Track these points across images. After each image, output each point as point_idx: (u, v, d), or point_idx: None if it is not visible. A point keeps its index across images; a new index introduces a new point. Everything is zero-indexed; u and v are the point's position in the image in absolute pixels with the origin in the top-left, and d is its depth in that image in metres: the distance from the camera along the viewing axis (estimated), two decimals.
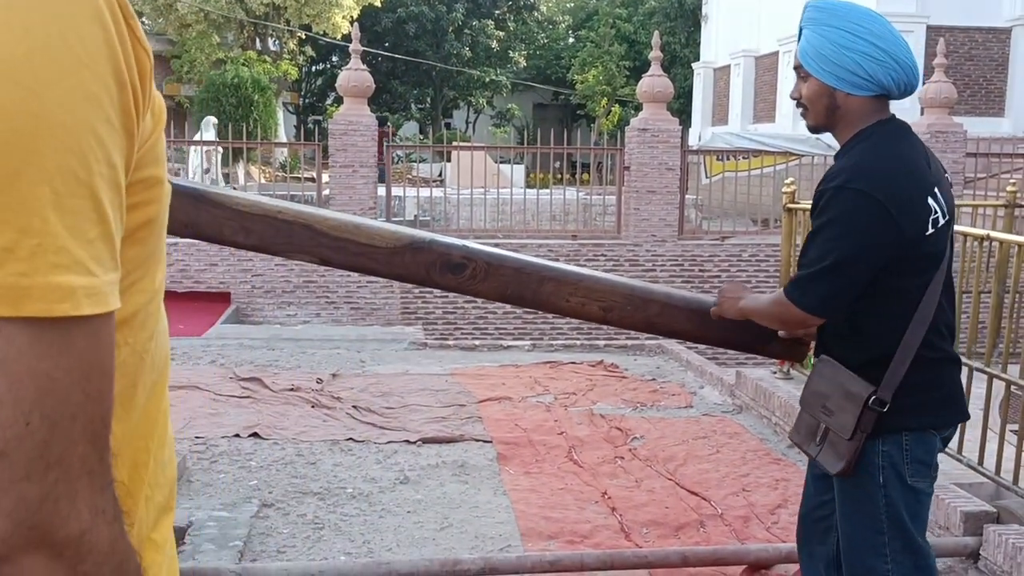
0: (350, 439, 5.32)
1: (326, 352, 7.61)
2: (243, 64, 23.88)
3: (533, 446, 5.28)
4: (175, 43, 26.51)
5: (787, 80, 19.01)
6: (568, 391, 6.52)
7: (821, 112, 2.27)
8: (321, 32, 25.14)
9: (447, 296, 9.94)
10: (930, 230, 2.13)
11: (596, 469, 4.87)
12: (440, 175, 20.64)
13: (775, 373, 6.05)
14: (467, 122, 37.36)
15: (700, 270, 11.13)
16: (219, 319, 9.08)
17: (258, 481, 4.62)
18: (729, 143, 14.99)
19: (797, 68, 2.33)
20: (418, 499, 4.44)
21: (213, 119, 17.75)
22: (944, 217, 2.17)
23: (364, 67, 10.14)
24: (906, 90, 2.19)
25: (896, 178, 2.12)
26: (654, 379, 7.05)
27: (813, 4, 2.28)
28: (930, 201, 2.13)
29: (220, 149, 12.13)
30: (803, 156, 12.87)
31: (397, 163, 23.63)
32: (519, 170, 18.49)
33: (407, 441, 5.30)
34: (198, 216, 2.75)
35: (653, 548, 3.83)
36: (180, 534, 4.02)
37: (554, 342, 8.32)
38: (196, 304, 9.53)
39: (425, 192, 12.75)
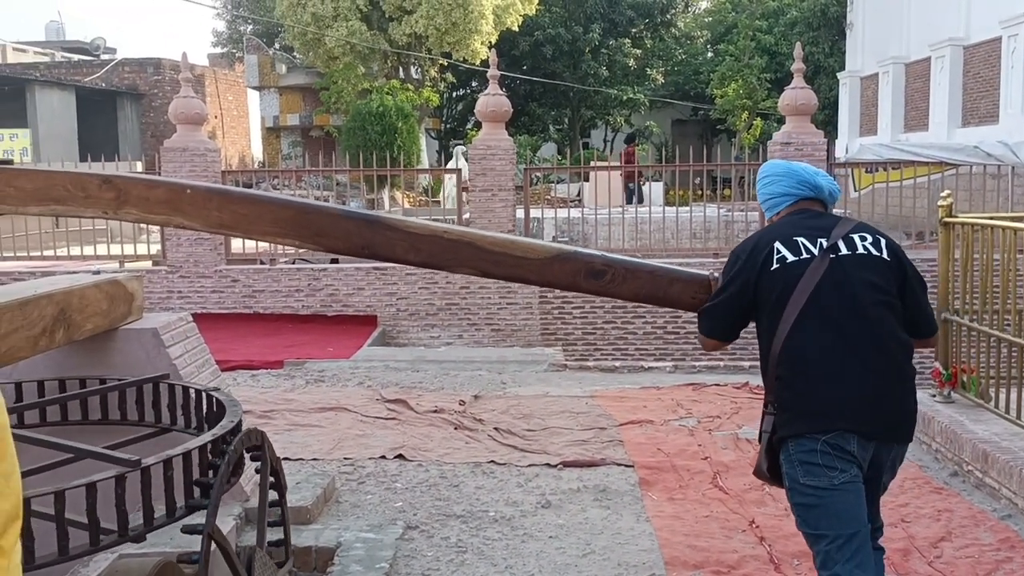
0: (492, 461, 5.35)
1: (468, 374, 7.70)
2: (387, 93, 24.63)
3: (676, 471, 5.17)
4: (323, 75, 27.62)
5: (940, 86, 18.13)
6: (712, 414, 6.37)
7: None
8: (461, 59, 25.65)
9: (586, 316, 9.91)
10: (773, 266, 2.76)
11: (743, 496, 4.72)
12: (578, 195, 20.68)
13: (934, 396, 5.72)
14: (605, 141, 37.28)
15: None
16: (366, 341, 9.33)
17: (403, 503, 4.70)
18: (879, 154, 14.39)
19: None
20: (560, 524, 4.42)
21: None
22: (799, 255, 2.75)
23: (502, 92, 10.26)
24: (817, 191, 2.97)
25: (745, 244, 2.93)
26: None
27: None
28: (777, 245, 2.79)
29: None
30: (959, 166, 12.21)
31: (535, 184, 23.83)
32: (658, 187, 18.31)
33: (548, 464, 5.28)
34: (373, 238, 3.38)
35: None
36: (329, 554, 4.12)
37: (696, 363, 8.16)
38: (344, 327, 9.83)
39: (564, 212, 12.78)
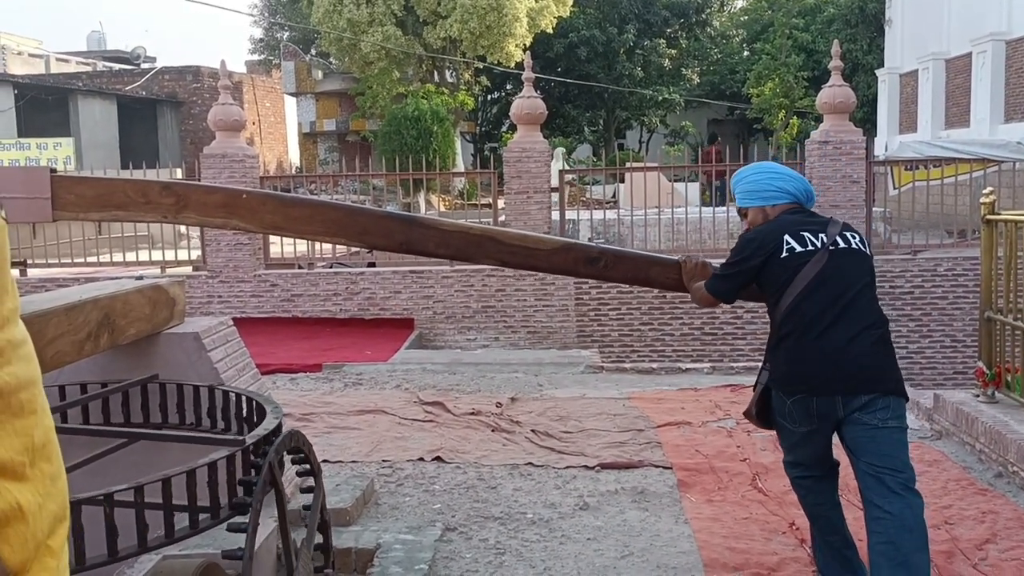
0: (529, 463, 5.35)
1: (505, 376, 7.71)
2: (422, 97, 24.77)
3: (715, 473, 5.14)
4: (359, 80, 27.83)
5: (982, 82, 17.84)
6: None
7: (760, 222, 3.55)
8: (495, 62, 25.72)
9: (622, 318, 9.88)
10: (783, 255, 3.35)
11: (782, 498, 4.67)
12: (614, 196, 20.62)
13: (977, 396, 5.64)
14: (640, 142, 37.19)
15: (891, 287, 10.57)
16: (403, 344, 9.39)
17: (441, 504, 4.72)
18: (919, 152, 14.20)
19: (742, 214, 3.68)
20: (598, 526, 4.41)
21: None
22: (802, 247, 3.35)
23: (536, 94, 10.27)
24: (803, 197, 3.60)
25: (760, 231, 3.50)
26: None
27: (738, 175, 3.73)
28: (786, 237, 3.38)
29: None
30: (1002, 162, 12.02)
31: (570, 184, 23.81)
32: (694, 188, 18.21)
33: (585, 466, 5.28)
34: (411, 235, 3.86)
35: None
36: (369, 556, 4.15)
37: (735, 364, 8.10)
38: (382, 330, 9.90)
39: (600, 214, 12.75)
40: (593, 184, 21.86)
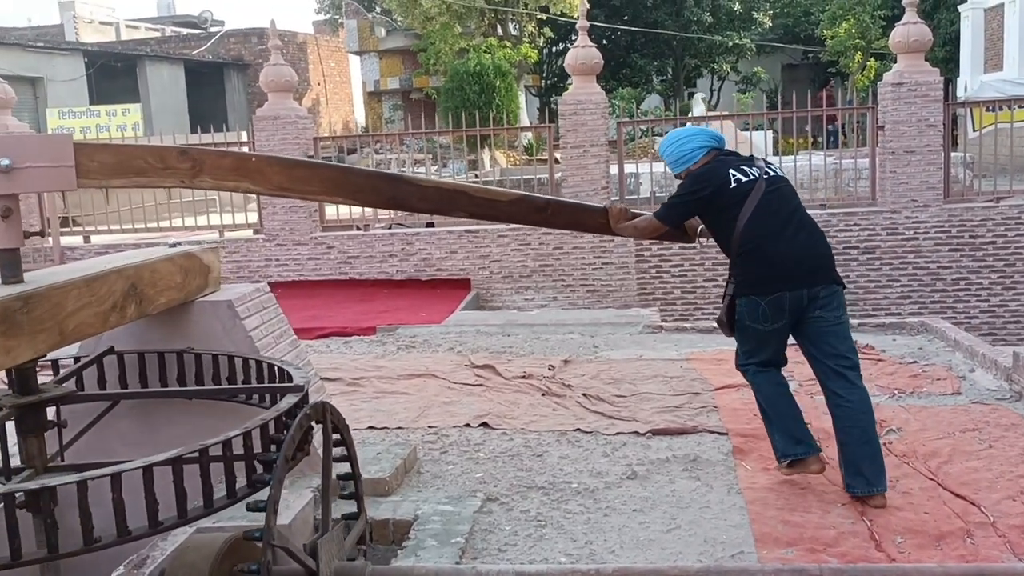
0: (578, 430, 5.17)
1: (560, 337, 7.52)
2: (485, 51, 24.42)
3: None
4: (421, 37, 27.58)
5: None
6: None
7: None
8: (558, 12, 25.18)
9: (685, 275, 9.57)
10: (732, 185, 4.07)
11: None
12: None
13: None
14: (711, 90, 36.23)
15: (971, 236, 10.03)
16: (459, 305, 9.25)
17: (484, 473, 4.58)
18: (1002, 91, 13.43)
19: (678, 179, 4.40)
20: (645, 496, 4.22)
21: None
22: (746, 179, 4.09)
23: (591, 44, 9.92)
24: (717, 142, 4.31)
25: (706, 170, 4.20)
26: (915, 361, 6.38)
27: (661, 147, 4.47)
28: (731, 171, 4.12)
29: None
30: None
31: (641, 138, 23.29)
32: (766, 136, 17.60)
33: (636, 433, 5.08)
34: (396, 191, 4.22)
35: (909, 561, 3.39)
36: (406, 528, 4.03)
37: None
38: (438, 291, 9.78)
39: (662, 167, 12.38)
40: (662, 135, 21.34)
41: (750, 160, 4.24)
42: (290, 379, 3.63)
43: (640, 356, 6.81)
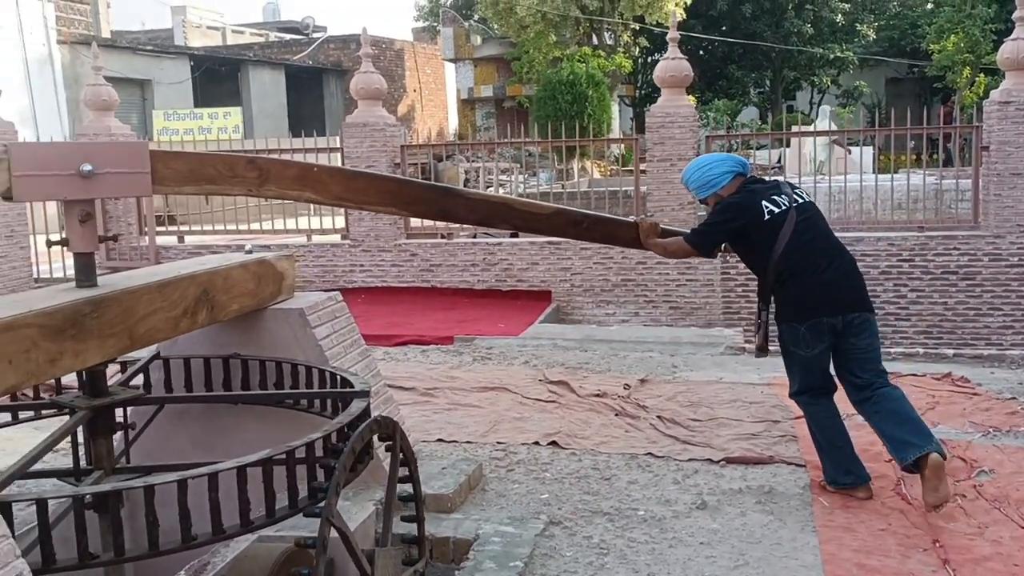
0: (649, 454, 5.03)
1: (638, 355, 7.37)
2: (578, 60, 24.33)
3: None
4: (515, 45, 27.65)
5: None
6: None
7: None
8: (654, 22, 24.93)
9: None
10: (766, 217, 4.20)
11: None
12: (779, 162, 19.63)
13: None
14: (811, 103, 35.37)
15: None
16: (539, 317, 9.18)
17: (549, 495, 4.48)
18: None
19: (704, 204, 4.57)
20: (714, 528, 4.06)
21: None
22: (778, 209, 4.21)
23: (682, 56, 9.73)
24: (743, 168, 4.45)
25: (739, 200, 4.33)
26: (1014, 397, 6.03)
27: (685, 174, 4.58)
28: (764, 203, 4.25)
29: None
30: None
31: (736, 150, 22.88)
32: (867, 153, 17.04)
33: (710, 460, 4.91)
34: (446, 203, 4.41)
35: None
36: (466, 547, 3.97)
37: (892, 349, 7.45)
38: (518, 303, 9.73)
39: None
40: (757, 148, 20.89)
41: (777, 187, 4.39)
42: (352, 390, 3.62)
43: (720, 379, 6.62)
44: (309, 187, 3.94)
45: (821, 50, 30.91)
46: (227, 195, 4.28)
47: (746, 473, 4.73)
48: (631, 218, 4.92)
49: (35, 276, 10.00)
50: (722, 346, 7.49)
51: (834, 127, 17.96)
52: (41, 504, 2.45)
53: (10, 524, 2.35)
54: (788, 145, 16.40)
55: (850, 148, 15.46)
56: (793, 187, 4.42)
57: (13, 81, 19.36)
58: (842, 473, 4.34)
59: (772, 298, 4.33)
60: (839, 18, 31.44)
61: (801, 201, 4.30)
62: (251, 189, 3.82)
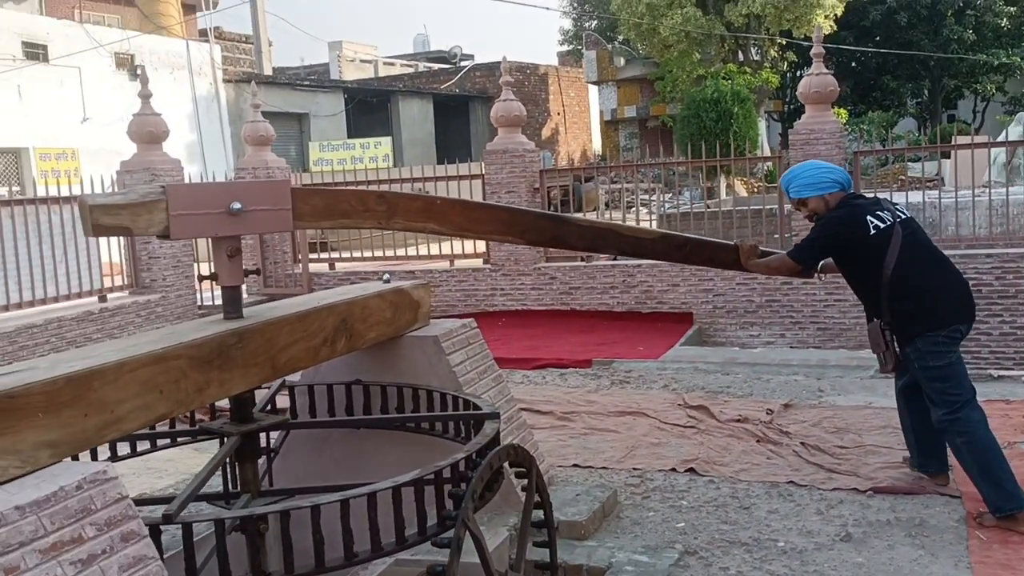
0: (791, 482, 4.88)
1: (782, 379, 7.16)
2: (723, 78, 23.96)
3: None
4: (659, 65, 27.49)
5: None
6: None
7: (823, 211, 4.41)
8: (802, 36, 24.28)
9: None
10: (872, 232, 4.23)
11: None
12: (937, 174, 18.71)
13: None
14: (974, 111, 33.59)
15: None
16: (679, 340, 9.04)
17: (685, 523, 4.41)
18: None
19: (800, 205, 4.55)
20: (859, 562, 3.90)
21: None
22: (883, 224, 4.25)
23: (827, 71, 9.42)
24: (847, 184, 4.46)
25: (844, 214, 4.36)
26: None
27: (789, 173, 4.61)
28: (868, 218, 4.27)
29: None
30: None
31: (894, 163, 21.90)
32: None
33: (856, 489, 4.72)
34: (558, 231, 4.61)
35: None
36: (599, 575, 3.96)
37: None
38: (659, 325, 9.61)
39: (915, 196, 11.38)
40: (915, 161, 19.96)
41: (878, 203, 4.42)
42: (479, 412, 3.68)
43: (869, 403, 6.35)
44: (433, 219, 4.07)
45: (985, 56, 29.31)
46: (360, 228, 4.48)
47: (895, 504, 4.52)
48: (733, 242, 4.99)
49: (199, 304, 10.63)
50: (872, 369, 7.16)
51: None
52: (185, 527, 2.60)
53: (159, 546, 2.51)
54: (948, 156, 15.58)
55: None
56: (893, 204, 4.47)
57: (183, 119, 20.74)
58: (1006, 497, 4.12)
59: (888, 316, 4.30)
60: (1004, 22, 29.71)
61: (904, 216, 4.34)
62: (381, 222, 3.97)
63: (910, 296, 4.20)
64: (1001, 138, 15.40)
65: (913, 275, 4.21)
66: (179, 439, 3.98)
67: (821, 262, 4.60)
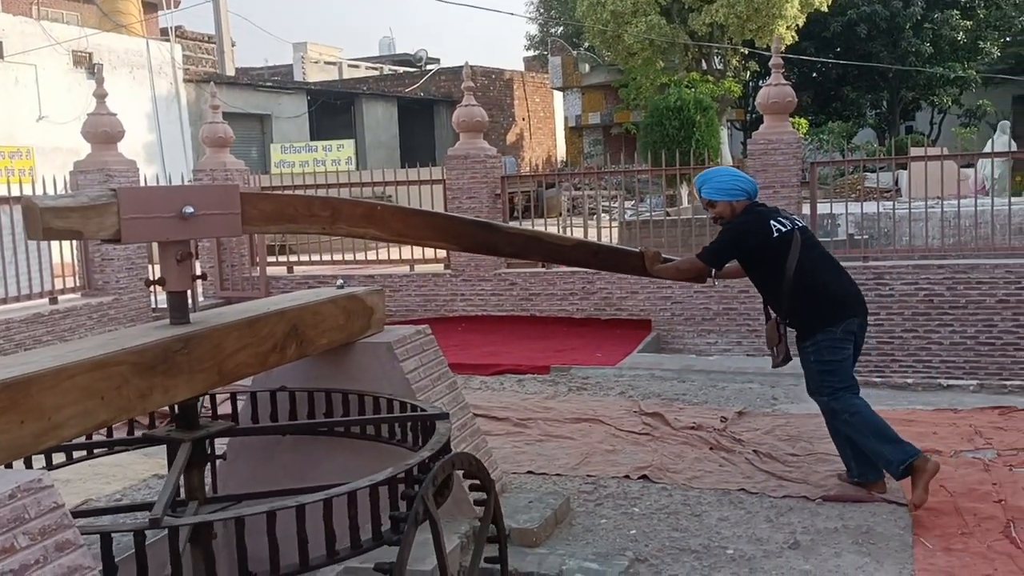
0: (743, 490, 4.92)
1: (737, 386, 7.22)
2: (686, 86, 24.14)
3: (960, 515, 4.46)
4: (623, 72, 27.64)
5: None
6: (1018, 446, 5.47)
7: (728, 216, 4.77)
8: (764, 46, 24.56)
9: (882, 324, 8.97)
10: (775, 235, 4.62)
11: None
12: (895, 185, 19.01)
13: None
14: (931, 123, 34.15)
15: None
16: (637, 347, 9.09)
17: (637, 531, 4.43)
18: None
19: (709, 205, 4.88)
20: (806, 569, 3.94)
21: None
22: (784, 228, 4.65)
23: (785, 82, 9.54)
24: (754, 194, 4.84)
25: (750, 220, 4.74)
26: None
27: (704, 175, 4.95)
28: (772, 223, 4.66)
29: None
30: None
31: (852, 173, 22.22)
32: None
33: (806, 497, 4.76)
34: (488, 238, 4.69)
35: None
36: None
37: (1008, 382, 7.08)
38: (618, 331, 9.66)
39: (871, 207, 11.57)
40: (871, 172, 20.25)
41: (777, 211, 4.87)
42: (431, 428, 3.66)
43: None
44: (374, 225, 4.10)
45: (942, 69, 29.83)
46: (305, 233, 4.44)
47: (843, 512, 4.57)
48: (639, 249, 5.27)
49: (153, 306, 10.49)
50: None
51: (1014, 146, 17.45)
52: (138, 535, 2.56)
53: (109, 554, 2.47)
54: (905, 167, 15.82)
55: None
56: (789, 213, 5.02)
57: (142, 118, 20.48)
58: (900, 449, 4.54)
59: (789, 313, 4.71)
60: (960, 36, 30.26)
61: (800, 224, 4.78)
62: (325, 228, 3.96)
63: (809, 295, 4.58)
64: (987, 148, 15.88)
65: (812, 276, 4.59)
66: (123, 447, 3.91)
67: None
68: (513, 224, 11.10)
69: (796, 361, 8.14)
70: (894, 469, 4.53)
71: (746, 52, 27.00)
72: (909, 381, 7.23)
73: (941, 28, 29.99)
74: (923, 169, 9.66)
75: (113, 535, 2.55)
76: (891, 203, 12.53)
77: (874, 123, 34.02)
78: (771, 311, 4.87)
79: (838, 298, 4.63)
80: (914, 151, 16.84)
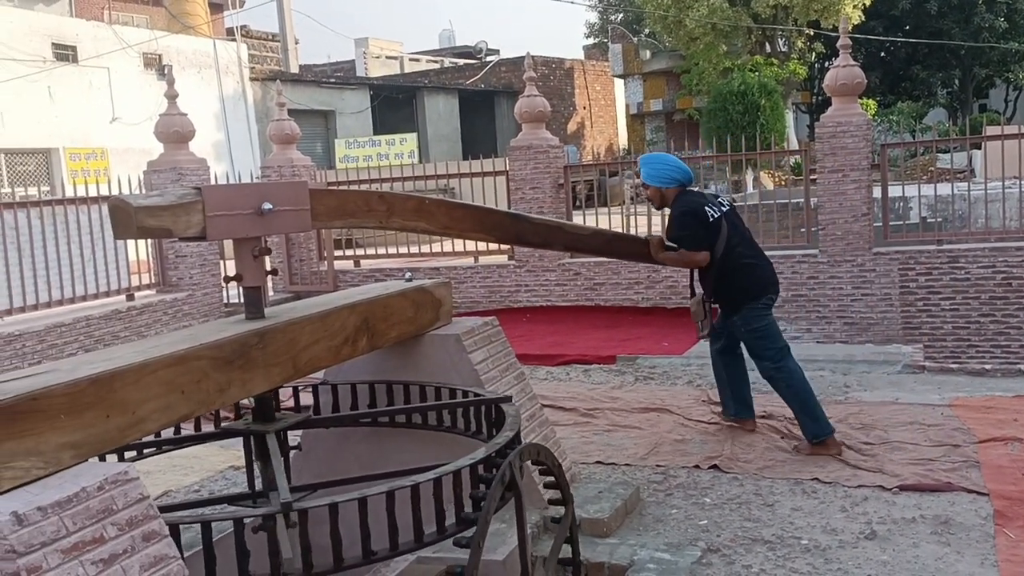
0: (816, 479, 4.85)
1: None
2: (750, 70, 23.80)
3: None
4: (685, 58, 27.33)
5: None
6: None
7: (658, 200, 5.46)
8: (830, 27, 24.05)
9: (958, 309, 8.74)
10: (710, 219, 5.22)
11: None
12: (970, 165, 18.47)
13: None
14: (1006, 101, 33.13)
15: None
16: None
17: (708, 521, 4.40)
18: None
19: (644, 186, 5.53)
20: (883, 560, 3.87)
21: None
22: (717, 212, 5.26)
23: (854, 63, 9.30)
24: (688, 182, 5.40)
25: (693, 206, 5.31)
26: None
27: (644, 158, 5.63)
28: (707, 208, 5.27)
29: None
30: None
31: (923, 154, 21.66)
32: None
33: (882, 487, 4.68)
34: (518, 228, 4.99)
35: None
36: (620, 573, 3.95)
37: None
38: (684, 320, 9.53)
39: (944, 189, 11.21)
40: (944, 152, 19.72)
41: (705, 196, 5.47)
42: (495, 401, 3.70)
43: (896, 399, 6.29)
44: (423, 218, 4.21)
45: (1017, 44, 28.87)
46: (365, 227, 4.57)
47: (921, 501, 4.48)
48: (644, 236, 5.86)
49: (225, 302, 10.71)
50: (899, 364, 7.10)
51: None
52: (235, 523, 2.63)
53: (179, 545, 2.54)
54: (979, 147, 15.36)
55: None
56: (717, 195, 5.68)
57: (210, 117, 20.91)
58: (822, 425, 5.19)
59: (716, 290, 5.31)
60: None
61: (728, 207, 5.35)
62: (382, 221, 4.06)
63: (736, 274, 5.22)
64: None
65: (737, 256, 5.21)
66: (203, 441, 4.01)
67: (654, 239, 5.50)
68: (576, 214, 11.09)
69: (871, 348, 8.01)
70: (809, 436, 5.21)
71: (811, 33, 26.46)
72: (987, 367, 7.04)
73: (1016, 2, 29.02)
74: (999, 148, 9.35)
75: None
76: (965, 184, 12.16)
77: (945, 102, 33.11)
78: (697, 288, 5.48)
79: (759, 277, 5.30)
80: (989, 130, 16.32)
